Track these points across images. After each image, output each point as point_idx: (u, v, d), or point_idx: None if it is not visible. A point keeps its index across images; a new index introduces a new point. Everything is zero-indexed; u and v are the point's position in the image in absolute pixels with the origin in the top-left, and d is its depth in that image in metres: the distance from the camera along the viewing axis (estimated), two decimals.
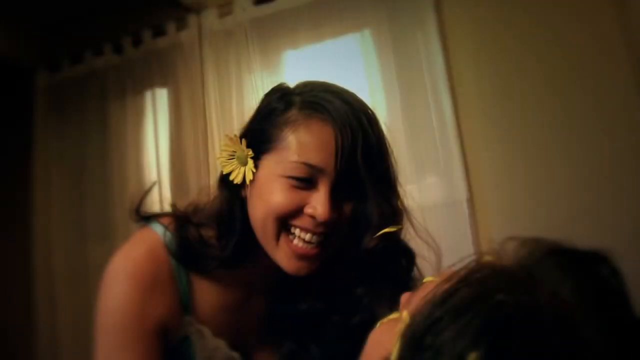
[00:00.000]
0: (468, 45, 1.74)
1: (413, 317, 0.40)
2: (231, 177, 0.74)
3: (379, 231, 0.70)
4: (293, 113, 0.71)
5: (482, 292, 0.38)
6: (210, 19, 2.06)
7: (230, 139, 0.75)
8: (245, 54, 1.98)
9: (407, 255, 0.75)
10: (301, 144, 0.68)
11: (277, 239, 0.71)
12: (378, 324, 0.48)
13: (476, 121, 1.70)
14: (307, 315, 0.80)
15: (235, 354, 0.79)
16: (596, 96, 1.56)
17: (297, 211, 0.69)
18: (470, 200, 1.65)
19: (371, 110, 0.74)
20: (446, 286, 0.40)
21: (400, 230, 0.74)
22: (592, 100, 1.57)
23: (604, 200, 1.51)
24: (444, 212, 1.66)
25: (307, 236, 0.70)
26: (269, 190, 0.70)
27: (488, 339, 0.34)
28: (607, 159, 1.53)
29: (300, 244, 0.70)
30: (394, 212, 0.72)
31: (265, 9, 1.97)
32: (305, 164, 0.68)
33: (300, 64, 1.93)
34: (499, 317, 0.35)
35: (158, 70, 2.18)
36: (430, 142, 1.71)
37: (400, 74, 1.77)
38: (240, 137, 0.75)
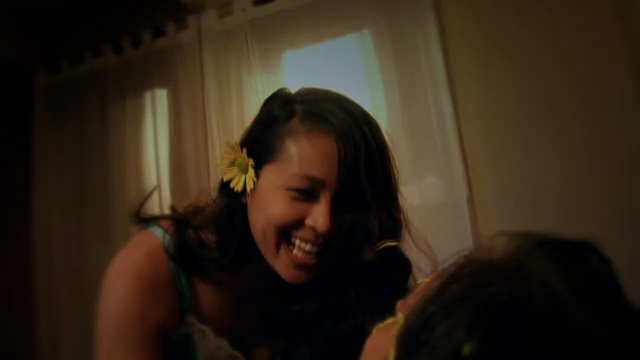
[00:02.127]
0: (468, 45, 1.74)
1: (407, 316, 0.41)
2: (232, 185, 0.74)
3: (378, 243, 0.70)
4: (295, 123, 0.70)
5: (473, 285, 0.38)
6: (209, 19, 2.06)
7: (231, 146, 0.75)
8: (245, 55, 1.98)
9: (404, 266, 0.75)
10: (302, 155, 0.68)
11: (277, 248, 0.71)
12: (375, 329, 0.48)
13: (476, 121, 1.70)
14: (300, 316, 0.80)
15: (237, 353, 0.80)
16: (596, 97, 1.56)
17: (298, 222, 0.69)
18: (470, 200, 1.65)
19: (374, 120, 0.73)
20: (437, 283, 0.40)
21: (399, 242, 0.74)
22: (592, 100, 1.57)
23: (605, 199, 1.51)
24: (444, 212, 1.66)
25: (307, 247, 0.70)
26: (270, 201, 0.70)
27: (482, 330, 0.35)
28: (608, 158, 1.53)
29: (300, 254, 0.70)
30: (394, 224, 0.72)
31: (264, 9, 1.97)
32: (307, 176, 0.68)
33: (300, 65, 1.93)
34: (492, 309, 0.36)
35: (158, 71, 2.18)
36: (430, 142, 1.71)
37: (400, 74, 1.77)
38: (241, 145, 0.74)
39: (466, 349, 0.34)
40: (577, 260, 0.39)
